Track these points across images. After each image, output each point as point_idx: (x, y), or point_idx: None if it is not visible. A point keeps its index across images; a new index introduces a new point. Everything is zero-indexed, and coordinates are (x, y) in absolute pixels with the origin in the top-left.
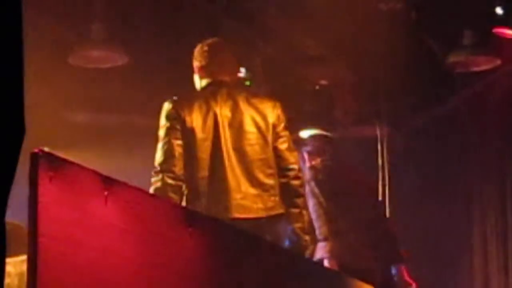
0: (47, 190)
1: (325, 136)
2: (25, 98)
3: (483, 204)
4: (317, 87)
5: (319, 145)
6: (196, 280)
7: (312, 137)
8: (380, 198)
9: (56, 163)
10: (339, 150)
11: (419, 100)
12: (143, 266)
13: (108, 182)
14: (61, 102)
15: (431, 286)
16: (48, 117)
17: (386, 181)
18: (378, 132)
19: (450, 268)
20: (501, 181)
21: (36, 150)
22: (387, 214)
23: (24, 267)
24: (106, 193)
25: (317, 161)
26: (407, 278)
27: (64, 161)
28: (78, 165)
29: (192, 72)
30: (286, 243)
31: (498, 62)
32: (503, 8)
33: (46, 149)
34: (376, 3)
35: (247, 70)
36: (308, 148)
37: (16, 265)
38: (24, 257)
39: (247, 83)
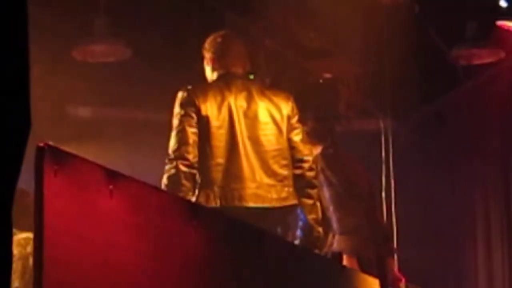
0: (52, 184)
1: (328, 120)
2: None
3: (487, 197)
4: (320, 81)
5: (322, 130)
6: (201, 273)
7: (314, 120)
8: (383, 191)
9: (61, 157)
10: (342, 143)
11: (422, 93)
12: (147, 259)
13: (113, 176)
14: (65, 96)
15: (434, 278)
16: (52, 111)
17: (390, 174)
18: (381, 125)
19: (454, 259)
20: (505, 173)
21: (41, 144)
22: (392, 207)
23: (29, 249)
24: (111, 186)
25: (318, 148)
26: (397, 272)
27: (69, 155)
28: (83, 159)
29: (196, 65)
30: (298, 233)
31: (502, 54)
32: (507, 1)
33: (51, 143)
34: None
35: (251, 63)
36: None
37: (19, 244)
38: (27, 234)
39: (251, 76)
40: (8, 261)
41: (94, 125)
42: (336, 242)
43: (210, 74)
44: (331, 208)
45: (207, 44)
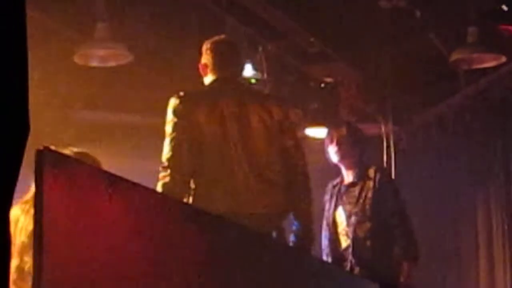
0: (52, 188)
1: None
2: (30, 96)
3: (489, 201)
4: (322, 85)
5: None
6: (201, 278)
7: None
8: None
9: (61, 161)
10: None
11: (423, 97)
12: (147, 264)
13: (112, 180)
14: (66, 101)
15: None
16: (54, 115)
17: None
18: (383, 130)
19: (454, 264)
20: (507, 178)
21: (41, 148)
22: None
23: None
24: (110, 190)
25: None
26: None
27: (69, 158)
28: (82, 162)
29: (196, 70)
30: (292, 238)
31: (503, 59)
32: (509, 5)
33: (51, 147)
34: (379, 1)
35: (252, 68)
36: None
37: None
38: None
39: (252, 81)
40: (4, 269)
41: (95, 129)
42: None
43: (205, 79)
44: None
45: (203, 49)
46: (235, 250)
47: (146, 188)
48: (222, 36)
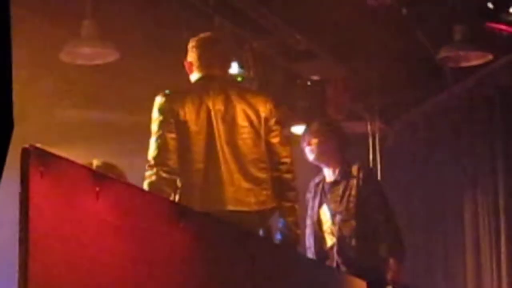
0: (38, 186)
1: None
2: (16, 95)
3: (476, 199)
4: (308, 83)
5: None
6: (187, 275)
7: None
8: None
9: (47, 159)
10: None
11: (410, 95)
12: (134, 262)
13: (99, 178)
14: (52, 99)
15: (421, 279)
16: (40, 113)
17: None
18: (369, 128)
19: (441, 264)
20: (493, 177)
21: (27, 146)
22: None
23: None
24: (97, 189)
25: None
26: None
27: (55, 157)
28: (69, 161)
29: (183, 68)
30: (278, 236)
31: (490, 57)
32: (494, 3)
33: (38, 145)
34: None
35: (238, 65)
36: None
37: None
38: None
39: (239, 79)
40: None
41: (82, 127)
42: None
43: (191, 77)
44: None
45: (188, 47)
46: (221, 248)
47: (132, 186)
48: (208, 33)
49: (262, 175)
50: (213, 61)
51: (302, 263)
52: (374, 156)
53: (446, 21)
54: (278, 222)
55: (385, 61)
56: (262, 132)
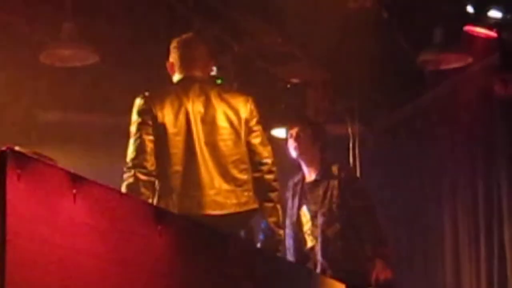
0: (15, 188)
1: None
2: None
3: (455, 203)
4: (288, 86)
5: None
6: (165, 278)
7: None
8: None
9: (25, 161)
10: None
11: (390, 98)
12: (112, 264)
13: (77, 180)
14: (32, 101)
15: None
16: (19, 115)
17: None
18: (350, 130)
19: (420, 264)
20: (472, 180)
21: (4, 148)
22: None
23: None
24: (74, 191)
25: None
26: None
27: (33, 159)
28: (46, 163)
29: (163, 70)
30: (260, 237)
31: (469, 60)
32: (474, 6)
33: (16, 147)
34: (346, 2)
35: (218, 68)
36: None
37: None
38: None
39: (219, 81)
40: None
41: (62, 129)
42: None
43: (173, 78)
44: None
45: (170, 47)
46: (200, 250)
47: (110, 189)
48: (190, 34)
49: (243, 176)
50: (194, 63)
51: (282, 266)
52: (354, 158)
53: (426, 24)
54: (260, 223)
55: (365, 64)
56: (242, 133)
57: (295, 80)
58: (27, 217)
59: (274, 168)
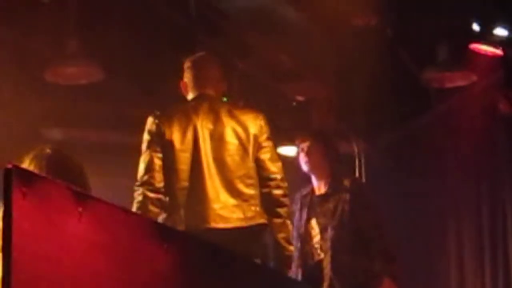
0: (21, 206)
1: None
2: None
3: (460, 219)
4: (293, 104)
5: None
6: None
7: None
8: None
9: (30, 179)
10: None
11: (395, 116)
12: (117, 283)
13: (82, 198)
14: (37, 118)
15: None
16: (24, 133)
17: None
18: (355, 148)
19: (424, 280)
20: (477, 198)
21: (9, 166)
22: None
23: None
24: (80, 209)
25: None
26: None
27: (38, 176)
28: (52, 180)
29: (169, 86)
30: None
31: (474, 78)
32: (479, 25)
33: (22, 165)
34: (351, 20)
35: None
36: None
37: None
38: None
39: (224, 99)
40: None
41: (67, 147)
42: None
43: (188, 97)
44: None
45: (185, 67)
46: (206, 268)
47: (115, 206)
48: (203, 54)
49: (250, 191)
50: (207, 81)
51: (286, 284)
52: (360, 175)
53: (431, 42)
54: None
55: (369, 82)
56: (250, 148)
57: (299, 98)
58: (32, 235)
59: (283, 184)
